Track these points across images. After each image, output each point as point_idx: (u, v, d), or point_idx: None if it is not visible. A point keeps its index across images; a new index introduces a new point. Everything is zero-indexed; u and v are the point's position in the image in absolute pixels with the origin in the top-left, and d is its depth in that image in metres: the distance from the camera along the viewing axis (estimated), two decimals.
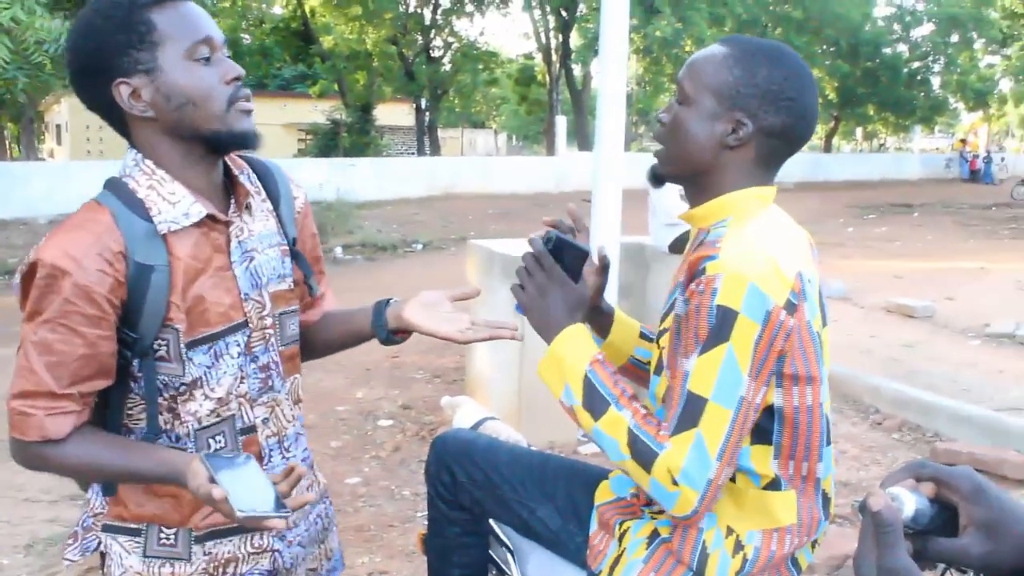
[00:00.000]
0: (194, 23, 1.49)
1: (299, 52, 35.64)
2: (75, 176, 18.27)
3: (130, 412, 1.57)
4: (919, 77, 38.56)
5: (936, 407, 5.52)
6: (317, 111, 29.40)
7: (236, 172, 1.63)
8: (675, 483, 1.47)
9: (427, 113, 32.77)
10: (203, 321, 1.53)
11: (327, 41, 31.95)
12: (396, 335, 1.76)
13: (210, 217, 1.54)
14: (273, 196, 1.70)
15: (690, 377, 1.50)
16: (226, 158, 1.62)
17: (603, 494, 1.84)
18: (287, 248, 1.69)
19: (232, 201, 1.61)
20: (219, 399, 1.57)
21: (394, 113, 34.31)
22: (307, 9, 32.09)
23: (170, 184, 1.52)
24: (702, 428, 1.47)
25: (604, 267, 1.82)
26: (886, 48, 36.95)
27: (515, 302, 1.70)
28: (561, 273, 1.68)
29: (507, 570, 1.98)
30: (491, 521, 2.00)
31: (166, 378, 1.53)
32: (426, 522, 2.06)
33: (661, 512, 1.69)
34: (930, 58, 38.76)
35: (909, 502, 0.91)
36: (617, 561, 1.71)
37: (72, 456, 1.49)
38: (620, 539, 1.73)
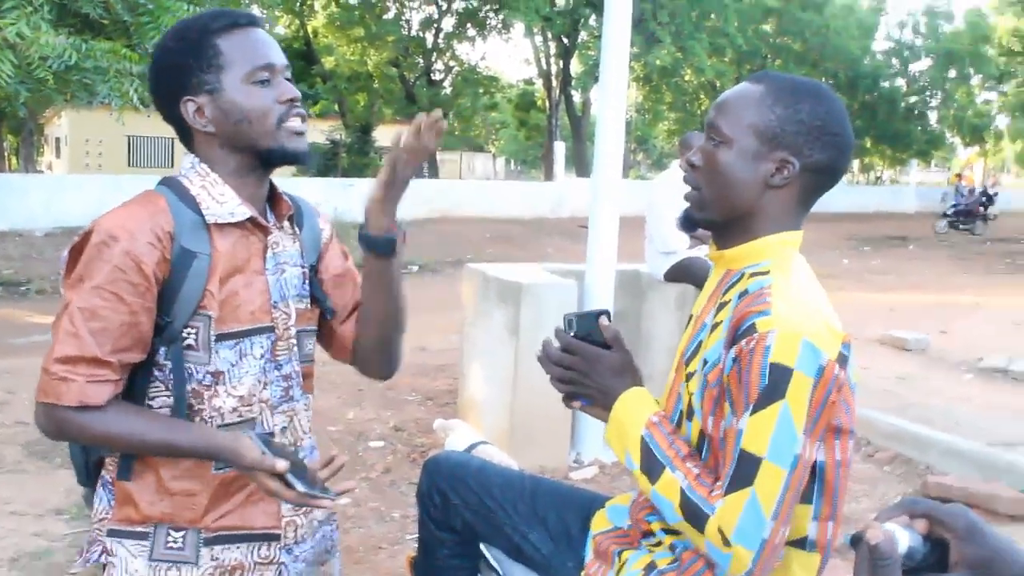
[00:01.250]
0: (256, 49, 1.63)
1: (301, 72, 35.65)
2: (73, 189, 18.27)
3: (151, 402, 1.62)
4: (916, 111, 38.91)
5: (929, 440, 5.51)
6: (317, 131, 29.39)
7: (280, 190, 1.75)
8: (728, 543, 1.44)
9: None
10: (234, 317, 1.61)
11: (329, 62, 32.09)
12: (389, 234, 1.68)
13: (251, 221, 1.64)
14: (298, 224, 1.79)
15: (743, 436, 1.46)
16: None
17: (599, 523, 1.83)
18: (306, 271, 1.76)
19: (272, 215, 1.73)
20: (240, 397, 1.64)
21: (394, 134, 34.17)
22: (309, 30, 32.23)
23: (221, 187, 1.64)
24: (756, 487, 1.44)
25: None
26: (884, 82, 37.31)
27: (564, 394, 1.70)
28: (594, 350, 1.66)
29: None
30: (481, 545, 1.99)
31: (192, 367, 1.60)
32: (415, 544, 2.05)
33: (659, 544, 1.68)
34: (927, 93, 39.15)
35: (903, 538, 0.91)
36: None
37: (113, 424, 1.54)
38: (619, 571, 1.71)
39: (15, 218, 17.10)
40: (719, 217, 1.67)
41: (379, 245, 1.69)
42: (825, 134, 1.60)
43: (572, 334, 1.67)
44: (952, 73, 38.13)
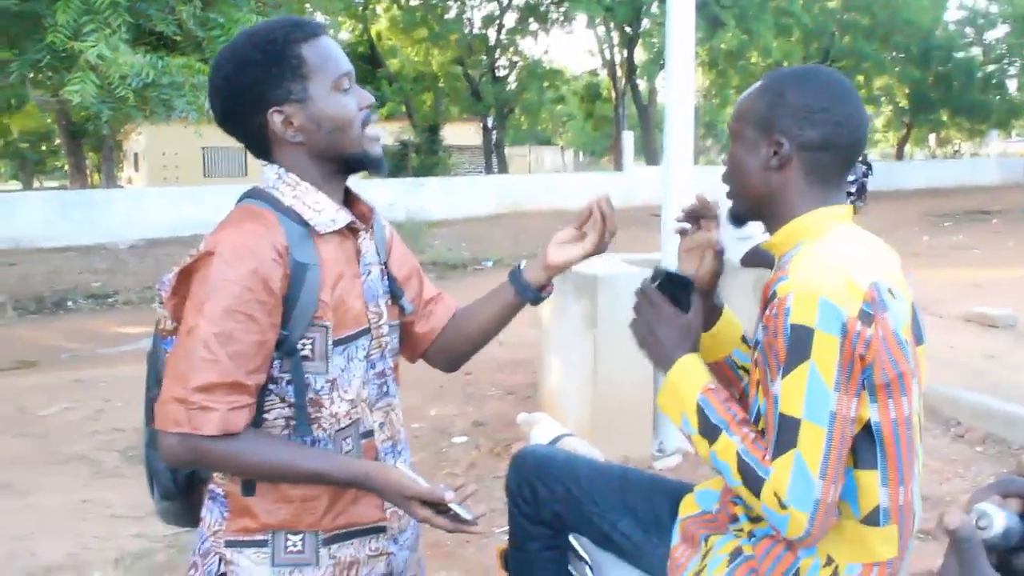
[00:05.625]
0: (337, 57, 1.63)
1: (366, 76, 36.00)
2: (153, 202, 18.81)
3: (266, 415, 1.61)
4: (994, 80, 37.66)
5: (1021, 419, 5.38)
6: (386, 133, 29.67)
7: (355, 192, 1.75)
8: (783, 506, 1.49)
9: (494, 132, 32.94)
10: (343, 323, 1.63)
11: (394, 64, 32.37)
12: (546, 292, 1.84)
13: (347, 227, 1.66)
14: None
15: (780, 400, 1.52)
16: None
17: (687, 507, 1.85)
18: (383, 269, 1.78)
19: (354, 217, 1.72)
20: (351, 400, 1.66)
21: (461, 133, 34.55)
22: (373, 33, 32.52)
23: (314, 194, 1.63)
24: (800, 448, 1.49)
25: (719, 252, 1.89)
26: (958, 52, 36.18)
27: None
28: (669, 308, 1.74)
29: None
30: (570, 536, 2.02)
31: (309, 377, 1.60)
32: (504, 537, 2.08)
33: (743, 530, 1.70)
34: (1005, 61, 37.83)
35: (998, 519, 0.89)
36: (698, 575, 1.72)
37: (251, 453, 1.52)
38: (705, 555, 1.73)
39: (100, 232, 17.65)
40: (743, 208, 1.79)
41: (534, 299, 1.82)
42: (813, 112, 1.65)
43: (655, 285, 1.76)
44: None
